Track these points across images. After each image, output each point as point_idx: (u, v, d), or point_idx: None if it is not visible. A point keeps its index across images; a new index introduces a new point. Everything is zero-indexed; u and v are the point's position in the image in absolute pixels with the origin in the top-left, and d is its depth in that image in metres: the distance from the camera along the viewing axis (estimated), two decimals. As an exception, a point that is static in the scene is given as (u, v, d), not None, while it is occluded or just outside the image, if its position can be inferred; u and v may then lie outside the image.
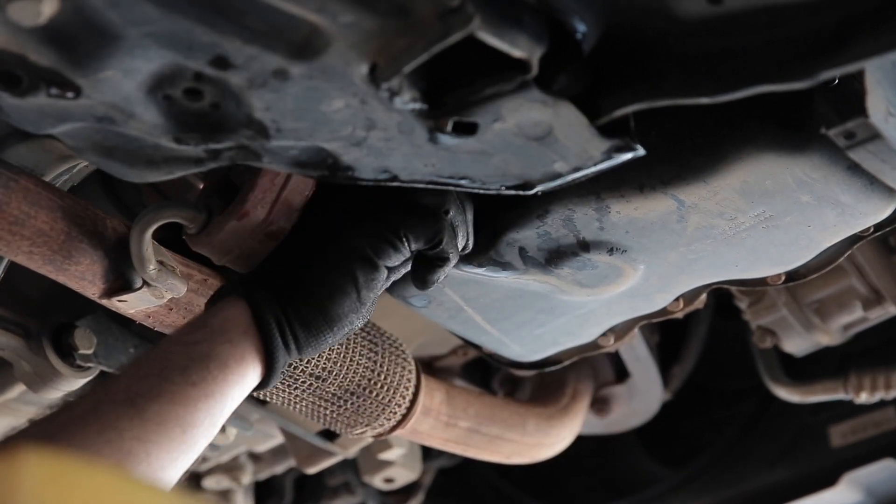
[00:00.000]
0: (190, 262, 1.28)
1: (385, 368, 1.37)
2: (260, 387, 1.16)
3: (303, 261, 1.18)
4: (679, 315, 1.51)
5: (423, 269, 1.25)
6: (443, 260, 1.23)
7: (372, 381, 1.36)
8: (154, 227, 1.18)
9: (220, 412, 1.09)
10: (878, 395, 1.94)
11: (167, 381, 1.05)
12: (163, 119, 1.00)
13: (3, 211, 1.09)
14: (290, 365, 1.28)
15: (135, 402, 1.02)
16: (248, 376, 1.12)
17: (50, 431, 1.00)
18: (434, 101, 0.98)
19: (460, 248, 1.26)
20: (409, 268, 1.25)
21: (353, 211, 1.20)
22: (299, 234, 1.21)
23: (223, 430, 1.81)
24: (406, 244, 1.19)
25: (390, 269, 1.21)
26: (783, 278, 1.42)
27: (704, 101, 0.97)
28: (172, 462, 1.03)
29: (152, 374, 1.05)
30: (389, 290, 1.40)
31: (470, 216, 1.26)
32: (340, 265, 1.17)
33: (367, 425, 1.39)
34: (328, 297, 1.15)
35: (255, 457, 2.21)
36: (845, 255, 1.37)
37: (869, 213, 1.27)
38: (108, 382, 1.05)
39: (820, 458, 2.10)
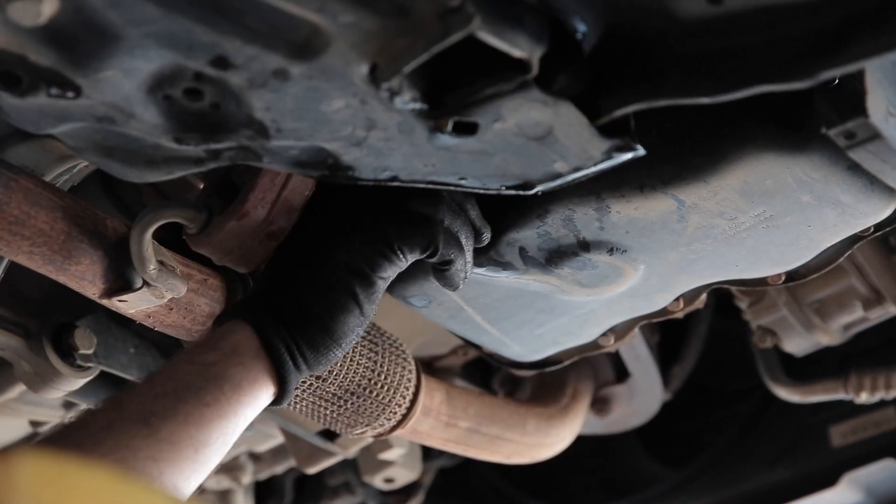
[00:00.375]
0: (190, 262, 1.28)
1: (385, 368, 1.37)
2: (273, 404, 1.17)
3: (302, 279, 1.18)
4: (679, 315, 1.51)
5: (438, 277, 1.27)
6: (447, 263, 1.24)
7: (372, 381, 1.36)
8: (154, 227, 1.18)
9: (232, 431, 1.11)
10: (879, 395, 1.94)
11: (181, 402, 1.06)
12: (163, 119, 1.00)
13: (4, 211, 1.09)
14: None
15: (149, 422, 1.03)
16: (260, 397, 1.14)
17: (64, 449, 1.00)
18: (434, 101, 0.98)
19: (466, 246, 1.26)
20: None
21: (348, 221, 1.20)
22: (297, 245, 1.21)
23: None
24: (401, 256, 1.20)
25: (387, 280, 1.22)
26: (783, 278, 1.42)
27: (704, 101, 0.97)
28: (185, 481, 1.05)
29: (166, 393, 1.06)
30: (389, 289, 1.40)
31: (474, 212, 1.27)
32: (340, 284, 1.17)
33: (367, 425, 1.39)
34: (331, 317, 1.16)
35: (255, 457, 2.21)
36: (845, 255, 1.37)
37: (869, 213, 1.27)
38: (122, 400, 1.06)
39: (820, 458, 2.10)
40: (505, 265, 1.36)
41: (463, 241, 1.25)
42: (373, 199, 1.19)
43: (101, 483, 0.68)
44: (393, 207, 1.19)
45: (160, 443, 1.02)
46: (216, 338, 1.15)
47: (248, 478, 2.20)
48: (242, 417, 1.12)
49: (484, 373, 2.04)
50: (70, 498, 0.65)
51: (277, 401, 1.17)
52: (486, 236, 1.29)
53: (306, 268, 1.19)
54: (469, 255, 1.27)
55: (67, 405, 1.70)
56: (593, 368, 2.03)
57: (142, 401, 1.06)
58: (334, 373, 1.33)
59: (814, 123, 1.12)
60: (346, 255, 1.18)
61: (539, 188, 1.11)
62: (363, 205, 1.20)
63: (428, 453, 2.15)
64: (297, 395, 1.33)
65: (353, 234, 1.19)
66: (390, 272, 1.20)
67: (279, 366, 1.14)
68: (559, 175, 1.09)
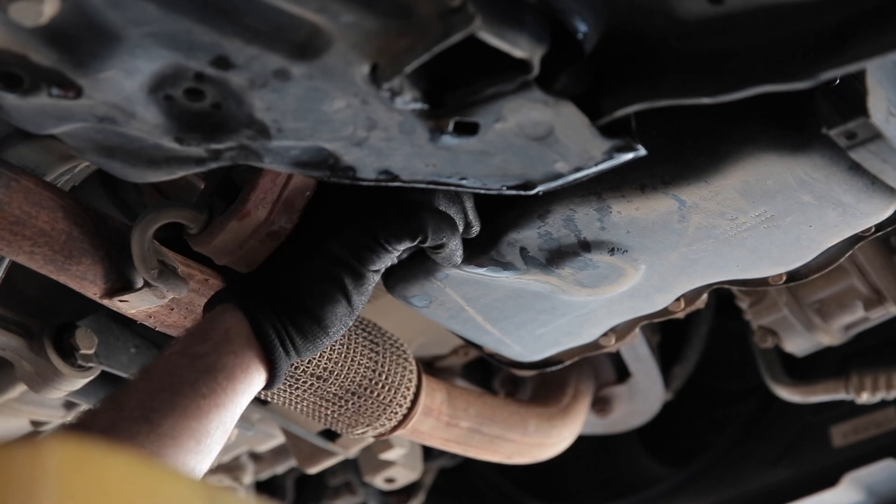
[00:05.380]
0: (191, 262, 1.28)
1: (386, 368, 1.37)
2: (264, 389, 1.20)
3: (293, 270, 1.20)
4: (680, 315, 1.51)
5: (434, 257, 1.27)
6: (439, 247, 1.24)
7: (373, 382, 1.36)
8: (155, 227, 1.18)
9: (230, 419, 1.13)
10: (880, 395, 1.94)
11: (178, 395, 1.08)
12: (164, 119, 1.00)
13: (5, 211, 1.09)
14: (292, 365, 1.28)
15: (149, 419, 1.05)
16: (253, 383, 1.16)
17: None
18: (435, 101, 0.98)
19: (458, 226, 1.26)
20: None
21: (336, 215, 1.21)
22: (290, 238, 1.22)
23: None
24: (389, 247, 1.20)
25: (379, 271, 1.22)
26: (784, 278, 1.42)
27: (705, 100, 0.97)
28: (190, 472, 1.07)
29: (163, 388, 1.08)
30: (390, 289, 1.40)
31: (469, 203, 1.27)
32: (328, 275, 1.19)
33: (368, 425, 1.39)
34: (320, 307, 1.18)
35: (256, 456, 2.21)
36: (846, 255, 1.37)
37: (870, 213, 1.27)
38: (121, 398, 1.08)
39: (821, 458, 2.10)
40: (506, 265, 1.36)
41: (456, 220, 1.25)
42: (357, 199, 1.20)
43: (128, 467, 0.68)
44: (383, 199, 1.20)
45: (162, 438, 1.04)
46: (206, 327, 1.17)
47: (249, 478, 2.20)
48: (238, 404, 1.14)
49: (485, 373, 2.04)
50: (98, 482, 0.65)
51: (268, 385, 1.19)
52: (475, 229, 1.29)
53: (297, 259, 1.20)
54: (453, 242, 1.26)
55: (68, 405, 1.70)
56: (594, 368, 2.03)
57: (140, 398, 1.07)
58: (335, 373, 1.33)
59: (815, 123, 1.12)
60: (336, 248, 1.19)
61: (540, 188, 1.11)
62: (347, 206, 1.21)
63: (429, 453, 2.15)
64: (298, 396, 1.33)
65: (343, 226, 1.20)
66: (379, 264, 1.21)
67: (270, 352, 1.16)
68: (560, 175, 1.09)
